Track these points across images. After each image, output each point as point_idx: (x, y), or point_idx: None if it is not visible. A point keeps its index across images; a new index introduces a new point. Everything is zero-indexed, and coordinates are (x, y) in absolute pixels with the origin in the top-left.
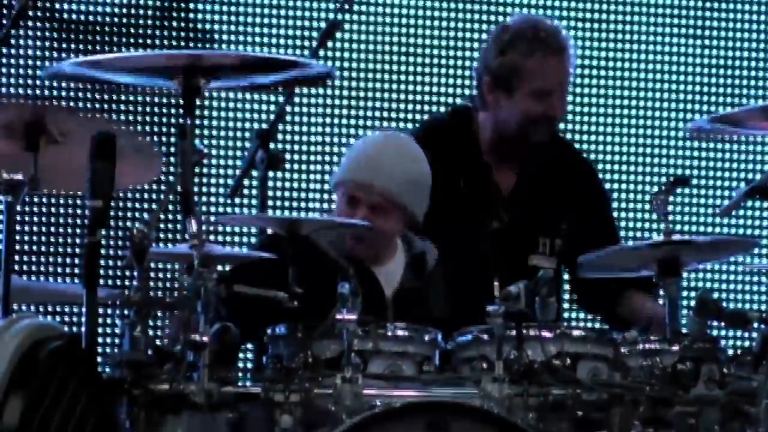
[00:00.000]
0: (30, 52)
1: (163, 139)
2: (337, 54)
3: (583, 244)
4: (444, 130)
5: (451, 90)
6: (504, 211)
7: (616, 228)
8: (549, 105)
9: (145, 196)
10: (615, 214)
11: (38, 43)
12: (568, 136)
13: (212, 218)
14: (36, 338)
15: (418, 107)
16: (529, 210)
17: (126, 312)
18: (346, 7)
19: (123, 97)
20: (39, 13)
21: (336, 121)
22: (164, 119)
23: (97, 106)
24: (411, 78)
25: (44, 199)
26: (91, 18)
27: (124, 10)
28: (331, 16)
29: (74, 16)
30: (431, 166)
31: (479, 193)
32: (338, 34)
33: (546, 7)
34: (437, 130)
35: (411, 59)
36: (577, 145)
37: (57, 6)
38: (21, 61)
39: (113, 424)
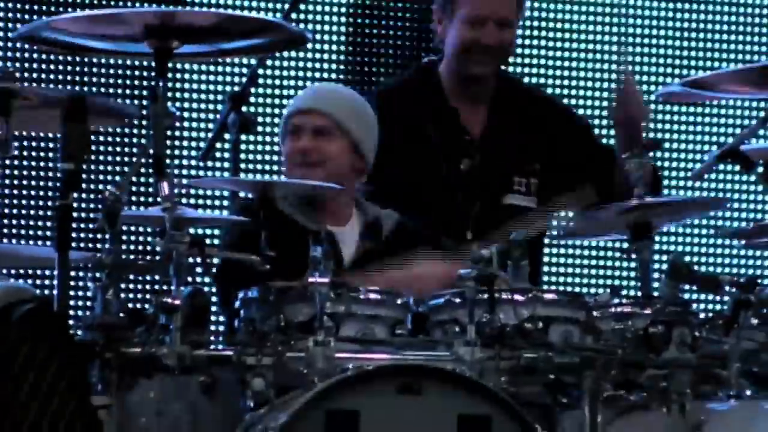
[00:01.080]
0: (1, 14)
1: (135, 101)
2: (309, 17)
3: (567, 180)
4: (408, 85)
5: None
6: (474, 151)
7: (603, 153)
8: (483, 33)
9: (117, 159)
10: None
11: (9, 5)
12: None
13: (184, 181)
14: (7, 301)
15: (391, 70)
16: (499, 150)
17: (98, 275)
18: None
19: (95, 60)
20: None
21: (309, 84)
22: (136, 82)
23: (69, 68)
24: (384, 41)
25: (16, 162)
26: None
27: None
28: None
29: None
30: (397, 124)
31: (447, 137)
32: None
33: None
34: (401, 87)
35: (384, 21)
36: None
37: None
38: None
39: (85, 386)
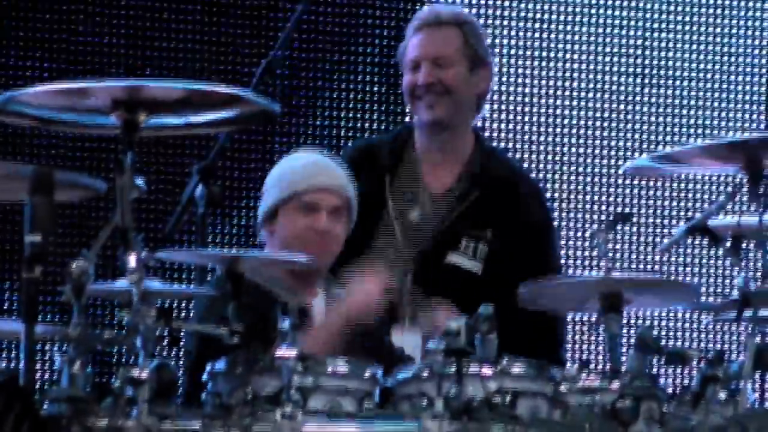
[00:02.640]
0: None
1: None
2: (278, 89)
3: (510, 263)
4: (383, 141)
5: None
6: (429, 204)
7: (551, 261)
8: (419, 75)
9: (84, 231)
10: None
11: None
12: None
13: (151, 254)
14: None
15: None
16: (455, 209)
17: (64, 348)
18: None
19: (61, 133)
20: None
21: (276, 157)
22: (103, 154)
23: (35, 141)
24: (352, 115)
25: None
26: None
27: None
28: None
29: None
30: (360, 174)
31: (406, 188)
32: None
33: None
34: (375, 143)
35: (351, 95)
36: None
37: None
38: None
39: None
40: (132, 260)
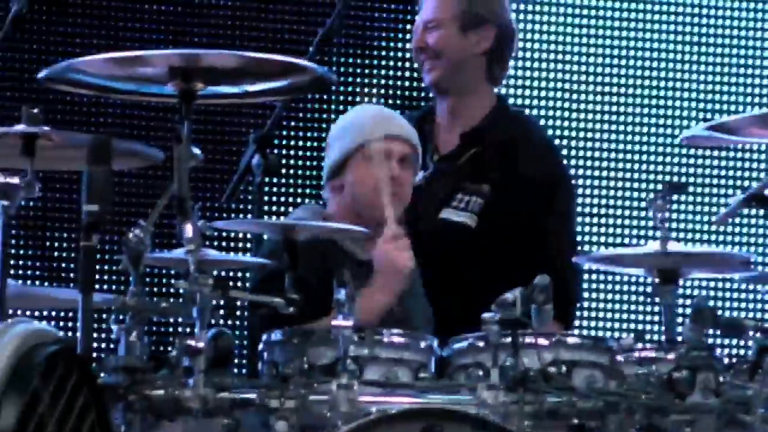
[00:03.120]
0: (26, 55)
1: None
2: (333, 58)
3: (508, 216)
4: (408, 118)
5: None
6: (432, 165)
7: (554, 219)
8: (418, 39)
9: (141, 200)
10: (612, 221)
11: (34, 46)
12: (564, 142)
13: (208, 223)
14: (32, 343)
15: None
16: (452, 167)
17: (121, 317)
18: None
19: (118, 101)
20: (36, 16)
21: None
22: (160, 123)
23: (93, 109)
24: (407, 83)
25: (40, 203)
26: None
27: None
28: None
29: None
30: None
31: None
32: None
33: (537, 17)
34: (422, 113)
35: (408, 64)
36: (572, 152)
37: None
38: (17, 65)
39: (109, 429)
40: (189, 230)
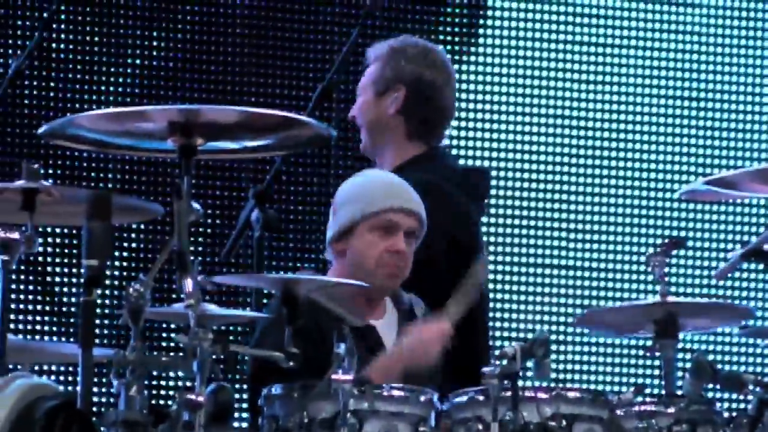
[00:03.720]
0: (26, 111)
1: (159, 198)
2: (333, 114)
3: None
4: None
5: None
6: None
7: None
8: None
9: (141, 255)
10: (611, 275)
11: (34, 102)
12: (565, 196)
13: (208, 278)
14: (32, 397)
15: None
16: None
17: (122, 371)
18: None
19: (118, 156)
20: (36, 72)
21: (332, 181)
22: (159, 178)
23: (92, 165)
24: None
25: (40, 258)
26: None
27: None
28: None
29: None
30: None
31: None
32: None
33: (541, 68)
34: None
35: None
36: (572, 207)
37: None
38: (17, 120)
39: None
40: (189, 284)
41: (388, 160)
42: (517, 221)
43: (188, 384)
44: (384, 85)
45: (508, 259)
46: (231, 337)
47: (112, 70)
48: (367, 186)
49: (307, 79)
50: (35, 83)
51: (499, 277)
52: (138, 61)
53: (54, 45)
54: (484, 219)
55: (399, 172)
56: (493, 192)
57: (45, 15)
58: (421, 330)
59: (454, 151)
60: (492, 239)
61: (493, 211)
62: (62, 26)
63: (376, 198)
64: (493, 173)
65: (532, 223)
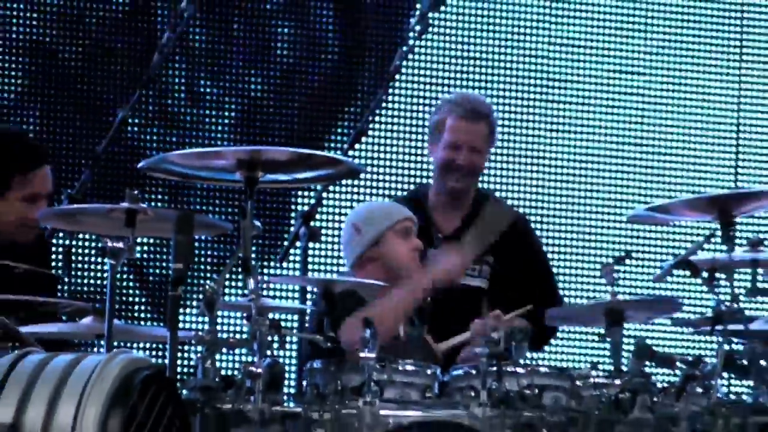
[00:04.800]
0: (129, 150)
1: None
2: (363, 153)
3: (513, 281)
4: (399, 202)
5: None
6: (439, 243)
7: (545, 277)
8: (458, 156)
9: (215, 261)
10: (575, 278)
11: (135, 143)
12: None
13: (266, 278)
14: (132, 368)
15: None
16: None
17: (199, 349)
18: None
19: (198, 185)
20: (136, 120)
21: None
22: (229, 203)
23: (179, 191)
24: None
25: (138, 262)
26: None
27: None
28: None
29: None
30: None
31: (422, 236)
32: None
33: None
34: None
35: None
36: (539, 227)
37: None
38: (121, 157)
39: None
40: (251, 283)
41: (469, 193)
42: None
43: (250, 359)
44: (493, 143)
45: None
46: (283, 324)
47: (193, 118)
48: (377, 209)
49: (344, 126)
50: (135, 129)
51: None
52: (213, 112)
53: (151, 97)
54: None
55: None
56: None
57: (144, 77)
58: (444, 257)
59: None
60: None
61: None
62: (156, 84)
63: (393, 212)
64: None
65: None
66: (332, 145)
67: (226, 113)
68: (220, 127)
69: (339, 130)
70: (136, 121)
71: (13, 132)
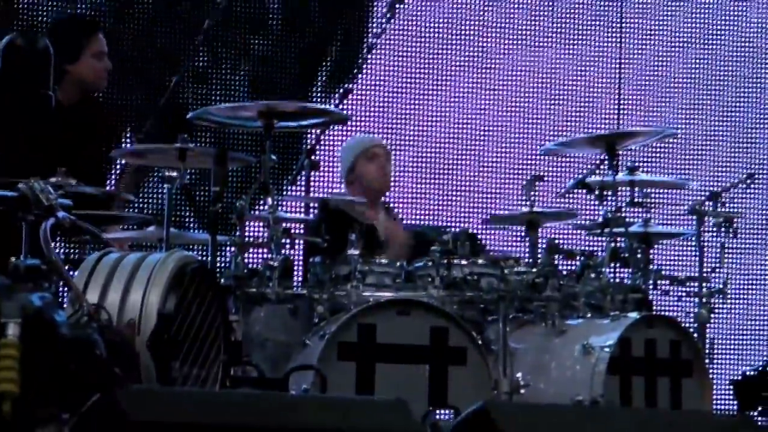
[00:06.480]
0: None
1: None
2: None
3: None
4: None
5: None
6: None
7: None
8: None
9: (243, 185)
10: (501, 194)
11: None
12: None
13: (280, 197)
14: (184, 261)
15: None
16: None
17: (232, 249)
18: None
19: (229, 129)
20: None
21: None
22: (252, 142)
23: (218, 134)
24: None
25: (187, 186)
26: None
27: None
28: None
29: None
30: None
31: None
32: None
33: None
34: None
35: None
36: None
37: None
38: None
39: (226, 310)
40: (270, 201)
41: None
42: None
43: (269, 256)
44: None
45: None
46: (292, 230)
47: (227, 79)
48: (355, 139)
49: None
50: (183, 93)
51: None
52: (235, 71)
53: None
54: None
55: None
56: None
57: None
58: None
59: None
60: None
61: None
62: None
63: (363, 142)
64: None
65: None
66: (324, 99)
67: (242, 73)
68: (239, 86)
69: (328, 86)
70: (185, 86)
71: (71, 15)
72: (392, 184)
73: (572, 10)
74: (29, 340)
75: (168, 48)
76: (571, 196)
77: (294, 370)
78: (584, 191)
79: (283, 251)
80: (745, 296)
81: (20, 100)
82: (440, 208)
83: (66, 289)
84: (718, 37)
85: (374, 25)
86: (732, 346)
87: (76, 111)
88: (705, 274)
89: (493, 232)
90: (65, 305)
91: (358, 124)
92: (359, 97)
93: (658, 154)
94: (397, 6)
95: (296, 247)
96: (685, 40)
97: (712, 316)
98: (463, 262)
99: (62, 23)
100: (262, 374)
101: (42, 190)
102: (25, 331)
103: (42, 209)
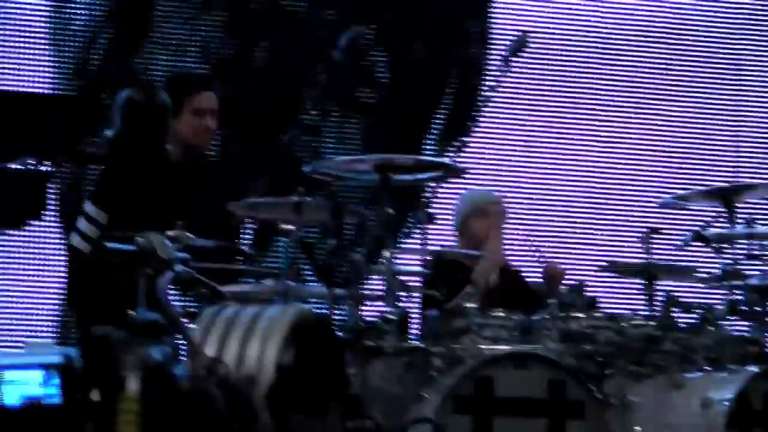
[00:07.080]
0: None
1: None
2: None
3: None
4: None
5: None
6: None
7: None
8: None
9: (356, 241)
10: (617, 246)
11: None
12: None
13: (396, 250)
14: (302, 315)
15: None
16: None
17: (350, 301)
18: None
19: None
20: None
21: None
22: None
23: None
24: None
25: (303, 239)
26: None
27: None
28: None
29: None
30: None
31: None
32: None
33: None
34: None
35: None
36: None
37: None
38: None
39: (344, 364)
40: (386, 253)
41: None
42: None
43: (386, 309)
44: None
45: None
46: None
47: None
48: (468, 194)
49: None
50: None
51: None
52: (350, 131)
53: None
54: None
55: None
56: None
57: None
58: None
59: None
60: None
61: None
62: None
63: (474, 198)
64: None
65: None
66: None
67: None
68: (357, 143)
69: (443, 138)
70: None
71: (182, 73)
72: (504, 237)
73: (690, 62)
74: (149, 394)
75: (279, 101)
76: (688, 248)
77: (412, 423)
78: (702, 244)
79: (398, 304)
80: None
81: (139, 155)
82: (553, 257)
83: (184, 342)
84: None
85: (489, 73)
86: None
87: (186, 166)
88: None
89: (605, 284)
90: (184, 359)
91: (471, 174)
92: (473, 147)
93: None
94: (514, 58)
95: (412, 299)
96: None
97: None
98: (581, 315)
99: (173, 80)
100: (379, 427)
101: (160, 244)
102: (145, 385)
103: (160, 263)
